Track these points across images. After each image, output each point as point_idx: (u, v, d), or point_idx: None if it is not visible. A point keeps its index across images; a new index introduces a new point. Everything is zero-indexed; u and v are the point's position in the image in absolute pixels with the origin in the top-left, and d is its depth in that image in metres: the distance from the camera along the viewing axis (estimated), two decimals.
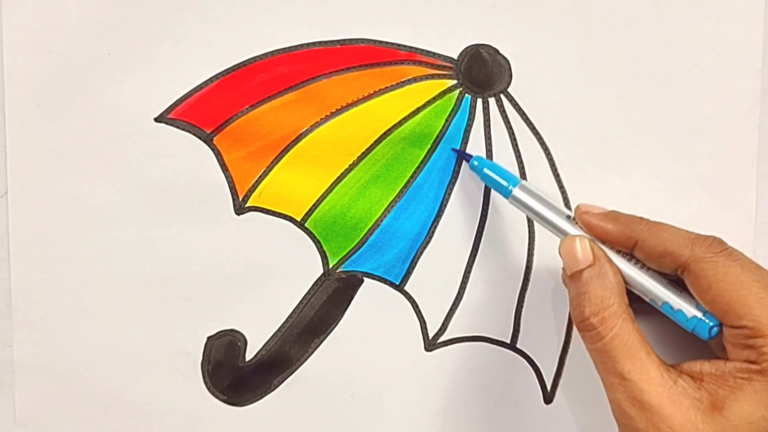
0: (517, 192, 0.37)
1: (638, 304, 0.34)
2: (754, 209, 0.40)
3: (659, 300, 0.34)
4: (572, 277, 0.34)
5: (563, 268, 0.35)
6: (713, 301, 0.32)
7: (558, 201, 0.40)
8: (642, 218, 0.34)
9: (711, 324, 0.32)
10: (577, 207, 0.35)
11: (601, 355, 0.32)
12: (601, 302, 0.32)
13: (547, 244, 0.40)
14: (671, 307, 0.33)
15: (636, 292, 0.34)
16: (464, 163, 0.40)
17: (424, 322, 0.41)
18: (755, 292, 0.31)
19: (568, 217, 0.36)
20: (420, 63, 0.39)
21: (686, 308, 0.33)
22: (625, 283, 0.34)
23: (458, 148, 0.40)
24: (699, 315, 0.33)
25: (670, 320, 0.34)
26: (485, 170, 0.38)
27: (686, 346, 0.34)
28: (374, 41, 0.39)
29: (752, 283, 0.31)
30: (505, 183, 0.37)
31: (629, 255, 0.34)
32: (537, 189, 0.37)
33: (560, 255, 0.35)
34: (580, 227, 0.35)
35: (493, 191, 0.40)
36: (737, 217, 0.40)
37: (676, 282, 0.34)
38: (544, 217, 0.36)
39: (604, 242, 0.34)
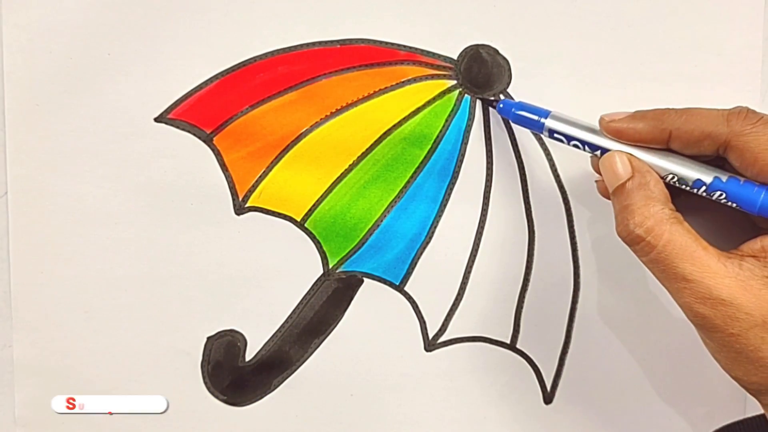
0: (549, 123, 0.35)
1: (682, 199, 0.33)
2: None
3: (718, 190, 0.32)
4: (614, 193, 0.33)
5: (597, 181, 0.35)
6: (761, 173, 0.31)
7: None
8: (668, 109, 0.33)
9: None
10: (601, 118, 0.34)
11: (658, 264, 0.31)
12: (645, 211, 0.31)
13: (547, 245, 0.40)
14: (735, 188, 0.32)
15: (690, 188, 0.33)
16: (463, 163, 0.40)
17: (424, 322, 0.41)
18: None
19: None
20: (420, 63, 0.39)
21: (749, 187, 0.31)
22: (678, 183, 0.33)
23: (458, 149, 0.40)
24: (762, 190, 0.31)
25: (715, 213, 0.33)
26: (514, 111, 0.37)
27: (740, 230, 0.33)
28: (374, 41, 0.39)
29: None
30: (536, 117, 0.36)
31: (667, 150, 0.33)
32: (567, 114, 0.36)
33: (602, 174, 0.34)
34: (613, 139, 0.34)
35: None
36: None
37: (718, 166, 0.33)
38: (581, 139, 0.35)
39: (637, 146, 0.33)
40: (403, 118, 0.40)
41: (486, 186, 0.40)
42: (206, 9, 0.39)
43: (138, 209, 0.40)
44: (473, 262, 0.41)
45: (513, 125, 0.40)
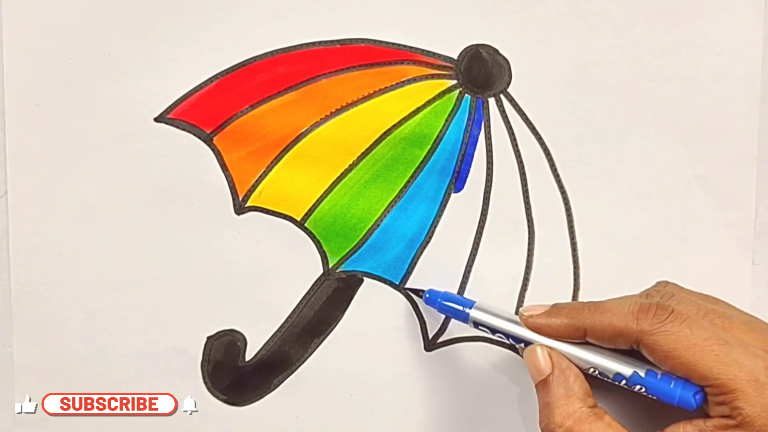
0: (474, 313, 0.37)
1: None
2: (754, 209, 0.40)
3: (637, 384, 0.33)
4: (537, 387, 0.34)
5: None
6: (674, 369, 0.32)
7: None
8: (584, 304, 0.34)
9: (693, 392, 0.32)
10: (520, 313, 0.36)
11: None
12: (565, 410, 0.33)
13: (547, 245, 0.40)
14: (653, 383, 0.33)
15: (610, 381, 0.34)
16: (462, 161, 0.40)
17: (424, 322, 0.41)
18: (709, 350, 0.31)
19: None
20: (420, 63, 0.39)
21: (666, 381, 0.33)
22: (600, 375, 0.34)
23: (458, 149, 0.40)
24: (679, 386, 0.32)
25: (639, 397, 0.34)
26: (440, 301, 0.38)
27: (666, 410, 0.34)
28: (374, 41, 0.39)
29: (704, 342, 0.31)
30: (460, 307, 0.37)
31: (585, 343, 0.34)
32: (491, 306, 0.37)
33: (526, 365, 0.35)
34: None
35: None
36: (737, 217, 0.40)
37: (636, 355, 0.34)
38: (504, 331, 0.36)
39: (556, 339, 0.34)
40: (403, 118, 0.40)
41: (486, 186, 0.40)
42: (206, 9, 0.39)
43: (138, 209, 0.40)
44: (473, 262, 0.41)
45: (513, 124, 0.40)
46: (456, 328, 0.41)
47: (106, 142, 0.39)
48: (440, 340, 0.41)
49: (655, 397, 0.33)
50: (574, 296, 0.41)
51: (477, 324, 0.37)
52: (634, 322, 0.32)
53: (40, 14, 0.39)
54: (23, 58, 0.39)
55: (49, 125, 0.39)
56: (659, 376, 0.33)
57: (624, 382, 0.33)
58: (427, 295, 0.39)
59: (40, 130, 0.39)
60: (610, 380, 0.34)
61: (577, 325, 0.34)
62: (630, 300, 0.34)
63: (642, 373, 0.33)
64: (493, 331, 0.36)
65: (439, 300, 0.38)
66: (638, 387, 0.33)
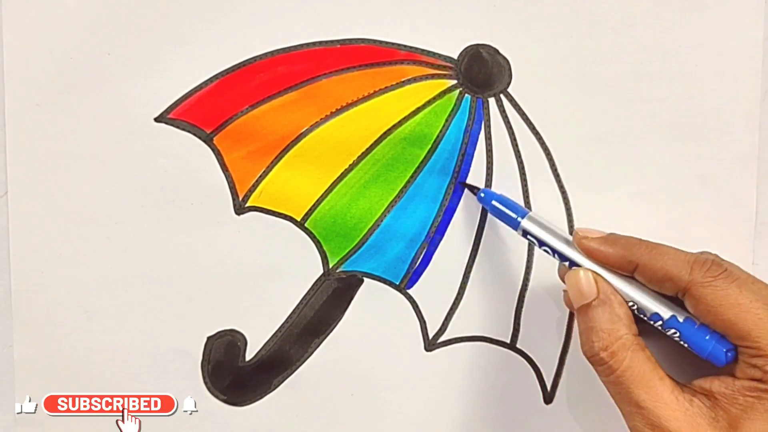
0: (525, 223, 0.36)
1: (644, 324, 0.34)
2: (754, 209, 0.40)
3: (673, 328, 0.33)
4: (579, 311, 0.34)
5: (564, 291, 0.35)
6: (713, 324, 0.32)
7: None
8: (641, 241, 0.34)
9: (726, 348, 0.32)
10: (575, 232, 0.35)
11: (616, 386, 0.33)
12: (609, 335, 0.33)
13: None
14: (689, 330, 0.33)
15: (647, 320, 0.34)
16: (462, 161, 0.40)
17: (424, 322, 0.41)
18: (753, 312, 0.31)
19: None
20: (420, 63, 0.39)
21: (702, 332, 0.33)
22: (637, 312, 0.34)
23: (458, 149, 0.40)
24: (714, 339, 0.32)
25: (675, 341, 0.34)
26: (493, 203, 0.38)
27: (696, 362, 0.34)
28: (374, 41, 0.39)
29: (750, 303, 0.31)
30: (513, 215, 0.37)
31: (631, 278, 0.34)
32: (544, 219, 0.37)
33: (567, 287, 0.35)
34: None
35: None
36: (737, 217, 0.40)
37: (678, 303, 0.34)
38: (552, 247, 0.36)
39: (604, 266, 0.34)
40: (404, 118, 0.40)
41: (486, 186, 0.40)
42: (206, 9, 0.39)
43: (138, 209, 0.40)
44: (473, 262, 0.41)
45: (513, 124, 0.40)
46: (456, 328, 0.41)
47: (106, 142, 0.39)
48: (440, 340, 0.41)
49: (686, 345, 0.33)
50: None
51: (526, 233, 0.36)
52: (687, 271, 0.32)
53: (40, 14, 0.39)
54: (23, 58, 0.39)
55: (49, 125, 0.39)
56: (697, 326, 0.33)
57: (660, 323, 0.33)
58: (482, 195, 0.38)
59: (40, 130, 0.39)
60: (645, 318, 0.34)
61: (629, 259, 0.33)
62: (687, 252, 0.33)
63: (680, 318, 0.33)
64: (540, 243, 0.36)
65: (492, 201, 0.38)
66: (672, 331, 0.33)
